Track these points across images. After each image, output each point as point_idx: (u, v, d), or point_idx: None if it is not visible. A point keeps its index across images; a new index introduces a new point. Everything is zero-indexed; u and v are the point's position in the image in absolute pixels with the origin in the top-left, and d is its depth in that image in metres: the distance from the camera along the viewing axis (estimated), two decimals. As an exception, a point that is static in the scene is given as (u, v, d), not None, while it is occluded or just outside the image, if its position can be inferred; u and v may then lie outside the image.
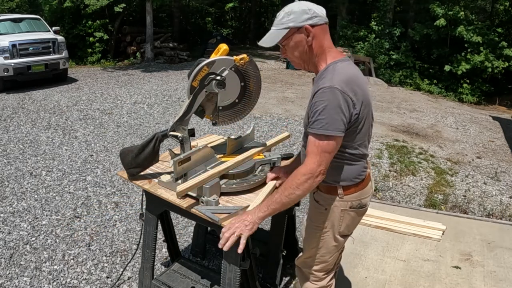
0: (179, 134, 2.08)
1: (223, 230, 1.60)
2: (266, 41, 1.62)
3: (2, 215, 3.48)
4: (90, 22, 12.60)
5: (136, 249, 2.91)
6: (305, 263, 1.89)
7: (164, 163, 2.21)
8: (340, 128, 1.49)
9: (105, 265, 2.85)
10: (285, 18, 1.58)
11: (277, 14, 1.63)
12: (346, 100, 1.49)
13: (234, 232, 1.57)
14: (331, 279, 1.92)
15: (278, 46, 1.68)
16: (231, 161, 2.04)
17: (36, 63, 8.47)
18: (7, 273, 2.73)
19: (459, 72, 11.69)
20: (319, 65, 1.63)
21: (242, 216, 1.62)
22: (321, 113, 1.48)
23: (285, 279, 2.68)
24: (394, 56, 12.94)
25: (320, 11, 1.59)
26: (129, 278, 2.71)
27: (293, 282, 2.61)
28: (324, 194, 1.71)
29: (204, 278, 2.39)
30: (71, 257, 2.92)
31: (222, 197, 1.90)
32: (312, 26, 1.56)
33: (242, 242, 1.56)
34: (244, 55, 2.03)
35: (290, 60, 1.71)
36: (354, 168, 1.66)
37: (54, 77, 9.22)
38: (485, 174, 4.71)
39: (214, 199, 1.81)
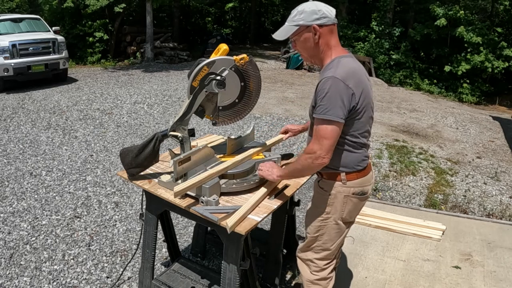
0: (179, 134, 2.08)
1: (260, 168, 1.93)
2: (279, 34, 1.77)
3: (2, 215, 3.48)
4: (90, 22, 12.60)
5: (136, 249, 2.91)
6: (306, 253, 1.95)
7: (164, 163, 2.22)
8: (339, 115, 1.61)
9: (105, 265, 2.85)
10: (297, 16, 1.73)
11: (292, 11, 1.79)
12: (346, 90, 1.61)
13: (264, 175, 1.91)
14: (331, 271, 1.95)
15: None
16: (229, 161, 2.04)
17: (36, 63, 8.46)
18: (7, 273, 2.73)
19: (459, 73, 11.70)
20: (325, 60, 1.77)
21: (272, 168, 1.89)
22: (323, 99, 1.62)
23: (285, 279, 2.68)
24: (394, 56, 12.95)
25: (330, 12, 1.72)
26: (129, 278, 2.71)
27: (296, 278, 2.61)
28: (327, 181, 1.82)
29: (204, 278, 2.39)
30: (71, 257, 2.92)
31: (222, 197, 1.90)
32: (320, 26, 1.70)
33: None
34: (244, 55, 2.03)
35: (299, 53, 1.85)
36: (356, 156, 1.78)
37: (54, 77, 9.22)
38: (485, 174, 4.71)
39: (214, 199, 1.81)
